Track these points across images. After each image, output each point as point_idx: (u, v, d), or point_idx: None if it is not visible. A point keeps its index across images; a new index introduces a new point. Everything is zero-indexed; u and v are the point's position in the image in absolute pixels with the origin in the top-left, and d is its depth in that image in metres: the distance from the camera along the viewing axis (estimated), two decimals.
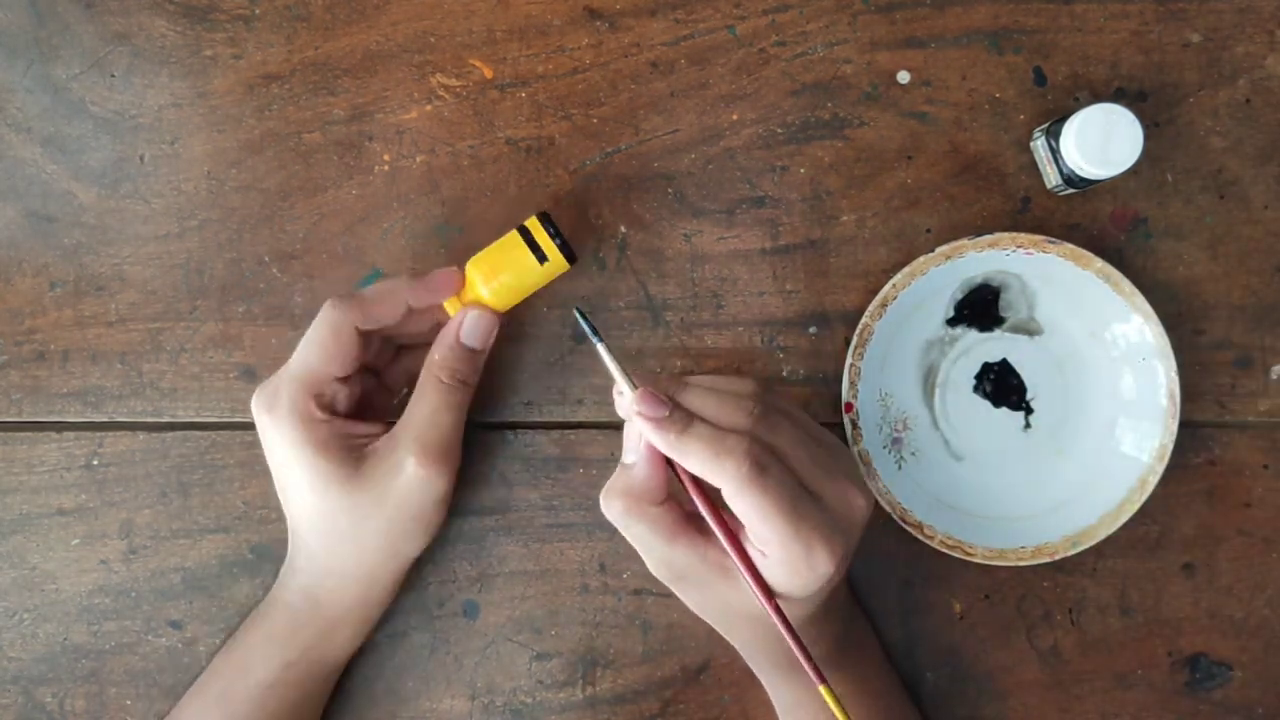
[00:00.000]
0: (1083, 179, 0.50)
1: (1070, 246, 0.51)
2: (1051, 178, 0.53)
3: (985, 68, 0.54)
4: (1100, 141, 0.48)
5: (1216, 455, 0.54)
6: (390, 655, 0.55)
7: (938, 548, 0.52)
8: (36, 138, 0.55)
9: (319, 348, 0.47)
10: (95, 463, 0.55)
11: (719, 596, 0.45)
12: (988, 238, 0.51)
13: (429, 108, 0.55)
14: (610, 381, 0.44)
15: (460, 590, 0.55)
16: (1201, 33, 0.54)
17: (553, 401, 0.55)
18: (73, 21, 0.55)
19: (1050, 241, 0.51)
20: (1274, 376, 0.54)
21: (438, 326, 0.50)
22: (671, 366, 0.54)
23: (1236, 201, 0.54)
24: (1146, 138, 0.48)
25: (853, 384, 0.52)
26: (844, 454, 0.45)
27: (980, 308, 0.54)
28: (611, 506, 0.44)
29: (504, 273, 0.49)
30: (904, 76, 0.54)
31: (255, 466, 0.55)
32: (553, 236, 0.49)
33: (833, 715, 0.47)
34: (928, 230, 0.54)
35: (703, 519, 0.44)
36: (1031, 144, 0.54)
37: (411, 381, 0.50)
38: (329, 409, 0.47)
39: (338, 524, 0.48)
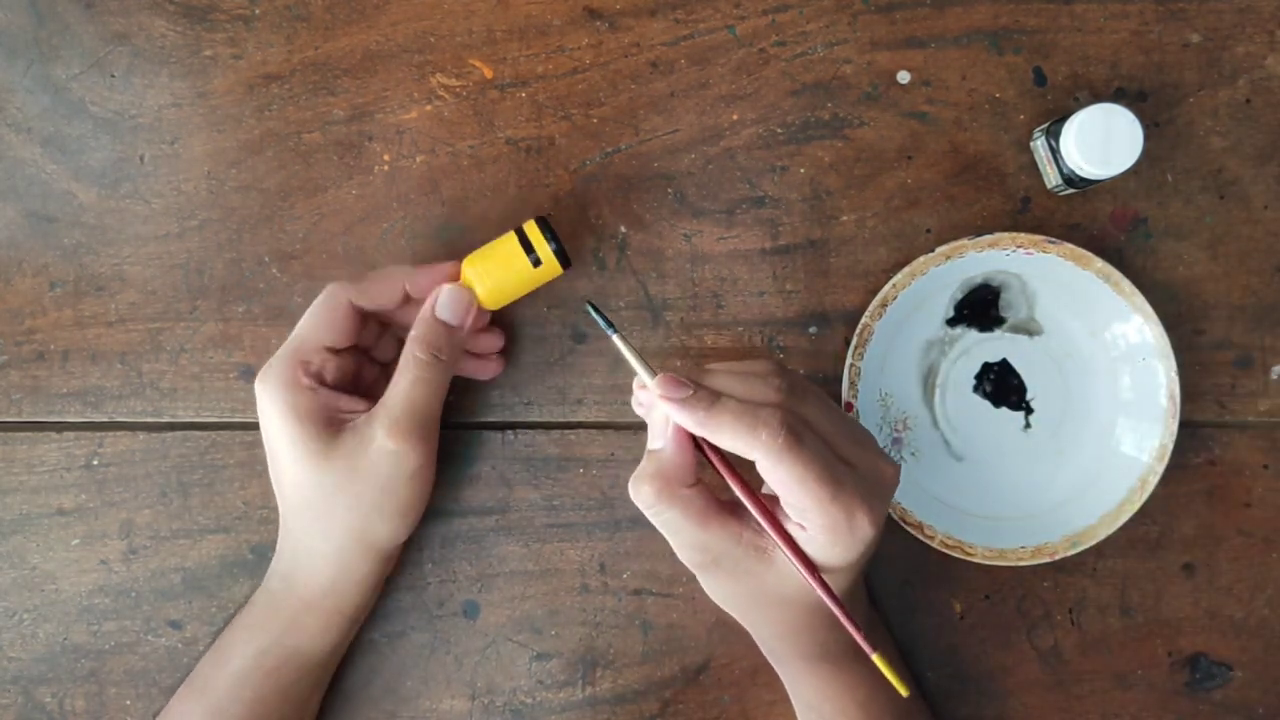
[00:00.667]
0: (1083, 179, 0.50)
1: (1070, 246, 0.51)
2: (1051, 178, 0.53)
3: (985, 68, 0.54)
4: (1100, 141, 0.48)
5: (1216, 455, 0.54)
6: (390, 655, 0.55)
7: (938, 548, 0.52)
8: (36, 138, 0.55)
9: (312, 317, 0.48)
10: (95, 463, 0.55)
11: (753, 580, 0.45)
12: (988, 238, 0.51)
13: (429, 108, 0.55)
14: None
15: (460, 590, 0.55)
16: (1201, 33, 0.54)
17: (553, 401, 0.55)
18: (73, 21, 0.55)
19: (1050, 241, 0.51)
20: (1274, 376, 0.54)
21: None
22: (671, 367, 0.54)
23: (1236, 201, 0.54)
24: (1146, 138, 0.48)
25: (853, 384, 0.52)
26: (865, 429, 0.46)
27: (980, 308, 0.54)
28: (641, 492, 0.43)
29: (497, 272, 0.49)
30: (904, 76, 0.54)
31: (255, 466, 0.55)
32: (549, 241, 0.49)
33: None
34: (928, 230, 0.54)
35: (734, 503, 0.44)
36: (1031, 144, 0.54)
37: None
38: (316, 377, 0.48)
39: (312, 497, 0.48)
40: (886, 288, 0.52)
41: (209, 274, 0.55)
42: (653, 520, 0.44)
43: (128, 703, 0.55)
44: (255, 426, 0.55)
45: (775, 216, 0.54)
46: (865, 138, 0.54)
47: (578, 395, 0.55)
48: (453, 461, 0.55)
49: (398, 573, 0.54)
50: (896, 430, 0.54)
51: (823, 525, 0.41)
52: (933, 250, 0.52)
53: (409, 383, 0.48)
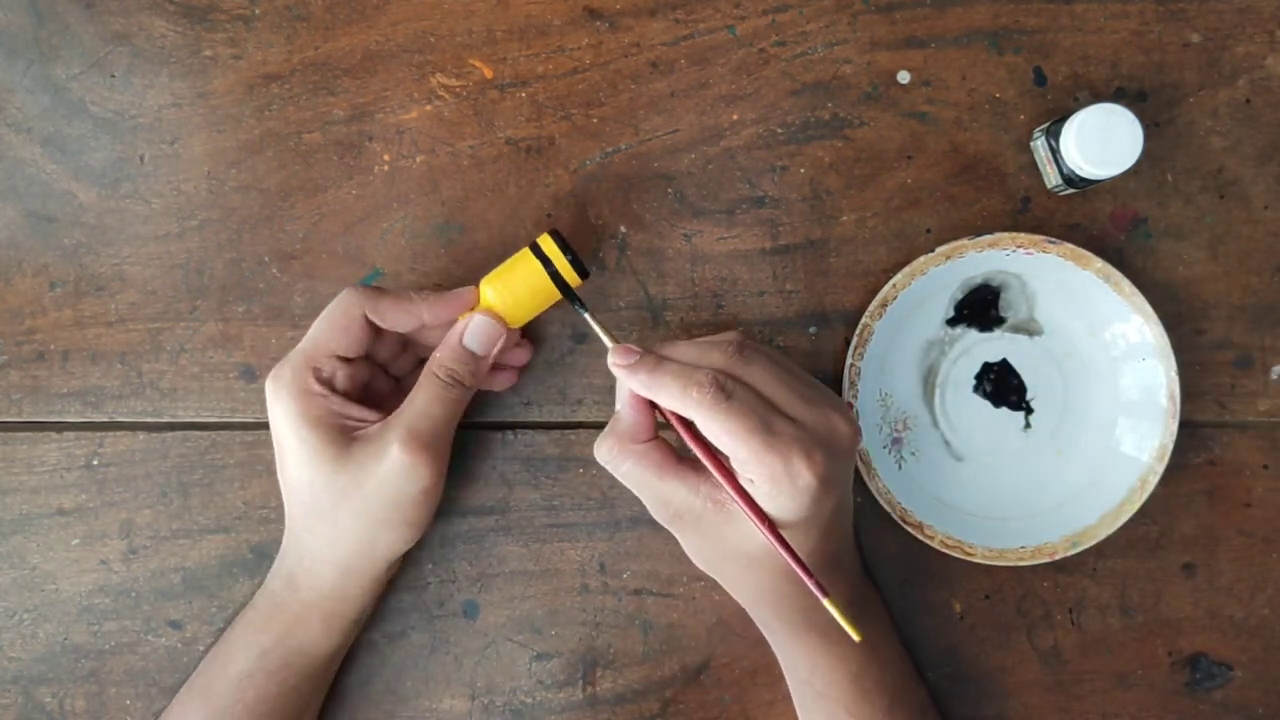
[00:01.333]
0: (1083, 179, 0.50)
1: (1070, 246, 0.51)
2: (1051, 178, 0.53)
3: (985, 68, 0.54)
4: (1100, 141, 0.48)
5: (1216, 455, 0.54)
6: (390, 655, 0.55)
7: (938, 548, 0.52)
8: (36, 138, 0.55)
9: (326, 323, 0.48)
10: (95, 463, 0.55)
11: (716, 535, 0.47)
12: (988, 238, 0.51)
13: (429, 108, 0.55)
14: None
15: (460, 590, 0.55)
16: (1201, 33, 0.54)
17: (553, 401, 0.55)
18: (73, 21, 0.55)
19: (1050, 241, 0.51)
20: (1274, 376, 0.54)
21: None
22: None
23: (1236, 201, 0.54)
24: (1146, 138, 0.48)
25: (853, 384, 0.52)
26: (826, 390, 0.47)
27: (980, 308, 0.54)
28: (600, 449, 0.47)
29: (517, 289, 0.49)
30: (904, 76, 0.54)
31: (255, 466, 0.55)
32: (565, 252, 0.49)
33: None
34: (928, 230, 0.54)
35: (695, 461, 0.46)
36: (1031, 144, 0.54)
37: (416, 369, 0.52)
38: (327, 384, 0.48)
39: (319, 501, 0.48)
40: (886, 288, 0.52)
41: (209, 274, 0.55)
42: (617, 477, 0.47)
43: (128, 703, 0.55)
44: (255, 426, 0.55)
45: (775, 216, 0.54)
46: (865, 138, 0.54)
47: (578, 395, 0.55)
48: (453, 461, 0.55)
49: (397, 573, 0.54)
50: (896, 430, 0.54)
51: (761, 475, 0.43)
52: (933, 250, 0.52)
53: (427, 400, 0.48)
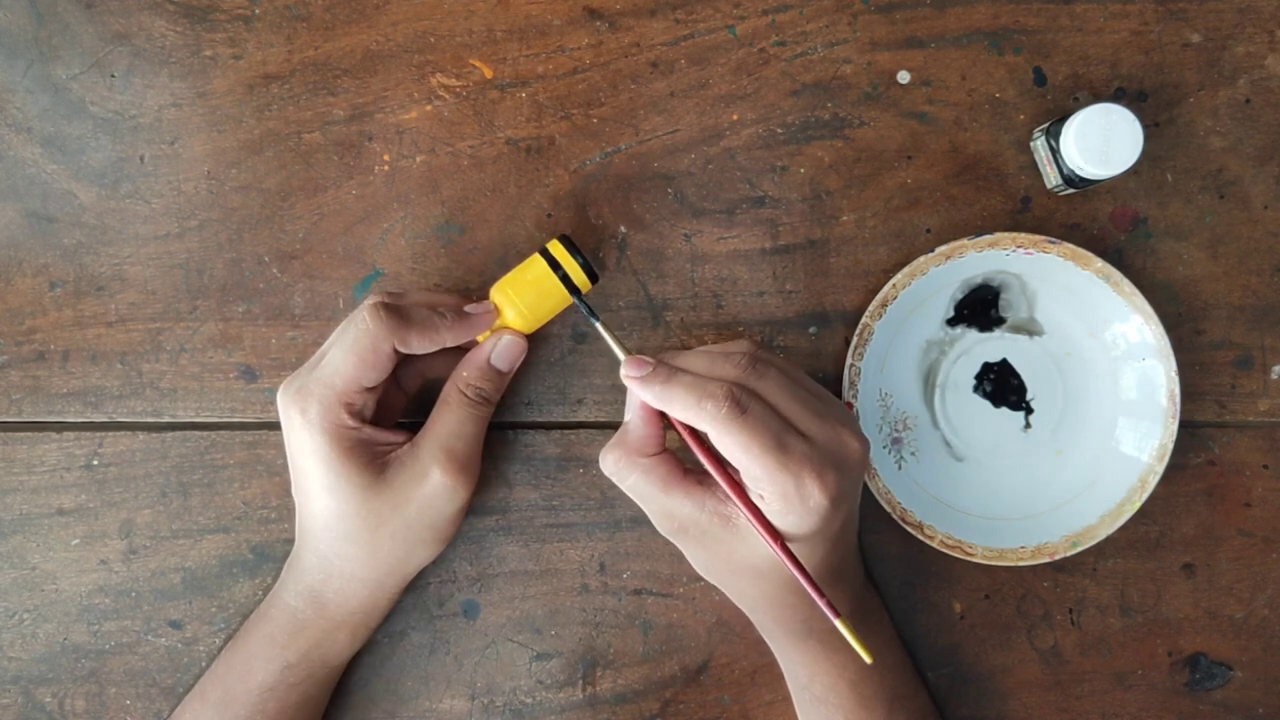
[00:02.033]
0: (1083, 179, 0.50)
1: (1070, 246, 0.51)
2: (1051, 178, 0.53)
3: (985, 68, 0.54)
4: (1100, 141, 0.48)
5: (1216, 455, 0.54)
6: (390, 655, 0.55)
7: (938, 548, 0.52)
8: (36, 138, 0.55)
9: (358, 359, 0.46)
10: (95, 463, 0.55)
11: (722, 548, 0.46)
12: (988, 238, 0.51)
13: (429, 108, 0.55)
14: (620, 378, 0.45)
15: (460, 590, 0.55)
16: (1201, 33, 0.54)
17: (553, 401, 0.55)
18: (73, 21, 0.55)
19: (1050, 241, 0.51)
20: (1274, 376, 0.54)
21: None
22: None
23: (1236, 201, 0.54)
24: (1146, 138, 0.48)
25: (853, 384, 0.52)
26: (836, 404, 0.47)
27: (980, 308, 0.54)
28: (605, 460, 0.47)
29: (530, 296, 0.49)
30: (904, 76, 0.54)
31: (255, 466, 0.55)
32: (575, 257, 0.49)
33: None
34: (928, 230, 0.54)
35: (702, 473, 0.46)
36: (1031, 144, 0.54)
37: (425, 383, 0.52)
38: (358, 417, 0.48)
39: (351, 526, 0.48)
40: (886, 288, 0.52)
41: (209, 274, 0.55)
42: (622, 489, 0.47)
43: (128, 703, 0.55)
44: (255, 426, 0.55)
45: (775, 216, 0.54)
46: (865, 138, 0.54)
47: (578, 395, 0.55)
48: None
49: None
50: (896, 430, 0.54)
51: (773, 493, 0.43)
52: (933, 250, 0.52)
53: (459, 420, 0.49)
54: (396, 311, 0.47)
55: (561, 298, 0.50)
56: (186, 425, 0.55)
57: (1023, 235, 0.51)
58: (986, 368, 0.54)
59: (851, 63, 0.54)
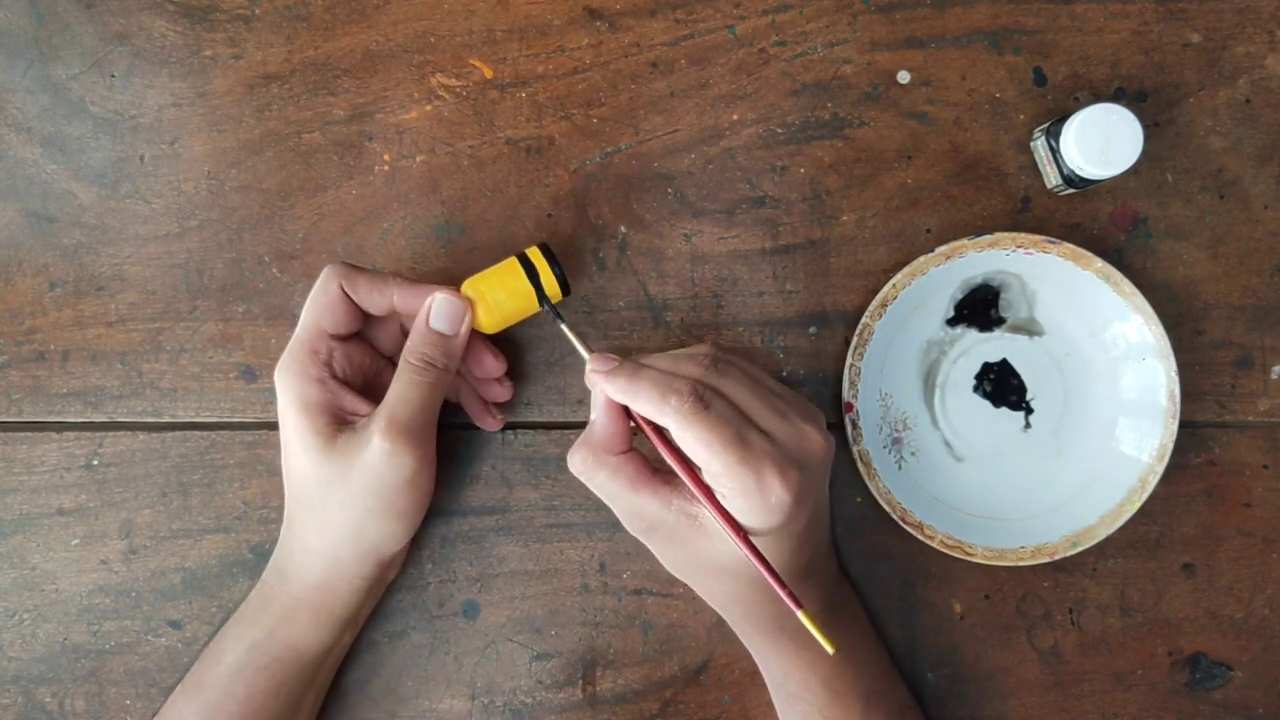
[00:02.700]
0: (1083, 179, 0.50)
1: (1070, 246, 0.51)
2: (1051, 178, 0.53)
3: (985, 68, 0.54)
4: (1100, 141, 0.48)
5: (1216, 455, 0.54)
6: (390, 655, 0.55)
7: (938, 548, 0.52)
8: (36, 138, 0.55)
9: (311, 302, 0.49)
10: (95, 463, 0.55)
11: (689, 547, 0.47)
12: (988, 238, 0.51)
13: (429, 108, 0.55)
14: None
15: (460, 590, 0.55)
16: (1201, 33, 0.54)
17: (553, 401, 0.55)
18: (73, 21, 0.55)
19: (1050, 241, 0.51)
20: (1274, 376, 0.54)
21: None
22: None
23: (1236, 201, 0.54)
24: (1146, 138, 0.48)
25: (853, 384, 0.52)
26: (801, 402, 0.47)
27: (980, 308, 0.54)
28: (573, 459, 0.47)
29: (499, 296, 0.49)
30: (904, 76, 0.54)
31: (255, 466, 0.55)
32: (551, 266, 0.49)
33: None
34: (928, 230, 0.54)
35: (668, 472, 0.47)
36: (1031, 144, 0.54)
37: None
38: (326, 367, 0.48)
39: (310, 491, 0.48)
40: (886, 288, 0.52)
41: (209, 274, 0.55)
42: (591, 488, 0.47)
43: (128, 703, 0.55)
44: (255, 426, 0.55)
45: (775, 216, 0.54)
46: (865, 138, 0.54)
47: (578, 395, 0.55)
48: (453, 461, 0.55)
49: (398, 576, 0.54)
50: (896, 430, 0.54)
51: (734, 489, 0.43)
52: (933, 250, 0.52)
53: (403, 387, 0.48)
54: (354, 268, 0.49)
55: (530, 304, 0.50)
56: (186, 425, 0.55)
57: (1023, 235, 0.51)
58: (986, 368, 0.54)
59: (851, 63, 0.54)
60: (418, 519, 0.51)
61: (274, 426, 0.55)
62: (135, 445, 0.55)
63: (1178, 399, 0.51)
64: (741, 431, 0.43)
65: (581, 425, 0.55)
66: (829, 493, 0.52)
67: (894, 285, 0.52)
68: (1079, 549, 0.52)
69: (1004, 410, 0.54)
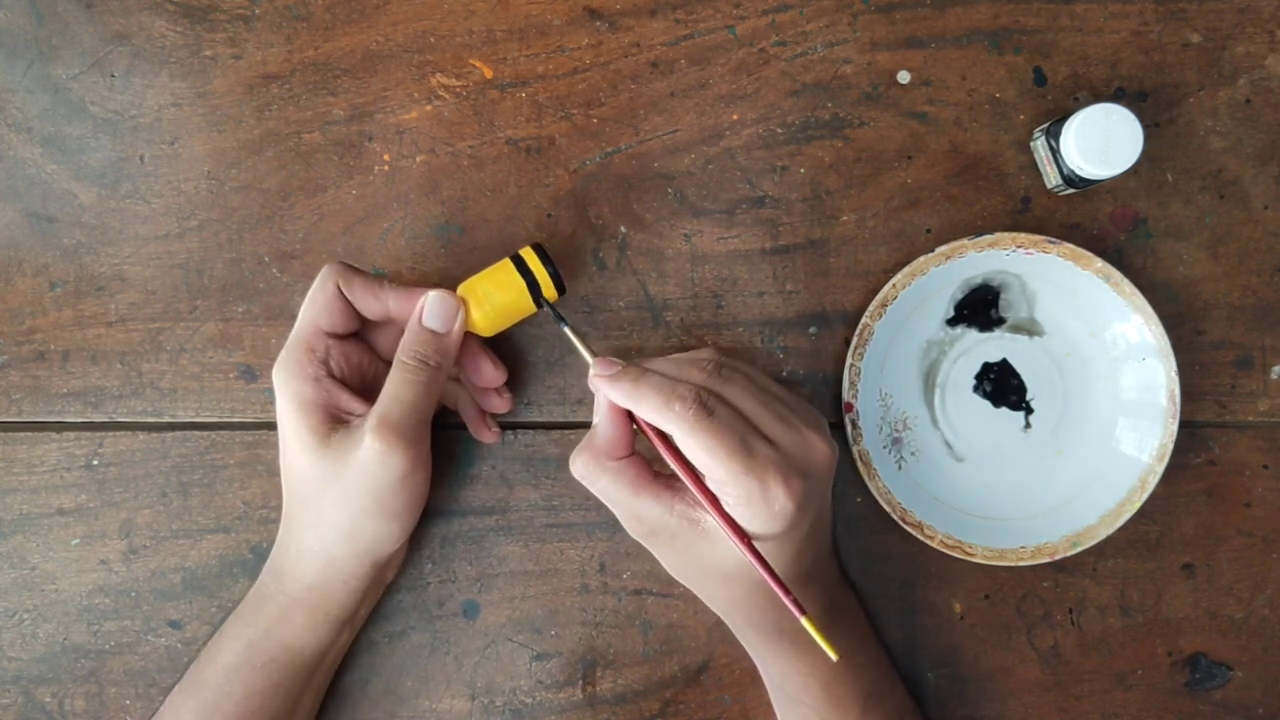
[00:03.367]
0: (1083, 179, 0.50)
1: (1070, 246, 0.51)
2: (1051, 178, 0.53)
3: (985, 68, 0.54)
4: (1100, 141, 0.48)
5: (1216, 455, 0.54)
6: (389, 655, 0.55)
7: (938, 548, 0.52)
8: (36, 138, 0.55)
9: (308, 301, 0.49)
10: (95, 463, 0.55)
11: (691, 551, 0.46)
12: (988, 238, 0.51)
13: (429, 108, 0.55)
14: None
15: (460, 590, 0.55)
16: (1201, 33, 0.54)
17: (553, 401, 0.55)
18: (73, 21, 0.55)
19: (1050, 241, 0.51)
20: (1274, 376, 0.54)
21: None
22: None
23: (1236, 201, 0.54)
24: (1146, 138, 0.48)
25: (853, 384, 0.52)
26: (805, 408, 0.47)
27: (980, 308, 0.54)
28: (575, 463, 0.47)
29: (495, 298, 0.49)
30: (904, 76, 0.54)
31: (255, 466, 0.55)
32: (545, 265, 0.49)
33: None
34: (928, 230, 0.54)
35: (670, 477, 0.46)
36: (1031, 144, 0.54)
37: None
38: (323, 366, 0.48)
39: (306, 491, 0.48)
40: (886, 288, 0.52)
41: (209, 274, 0.55)
42: (593, 492, 0.47)
43: (128, 703, 0.55)
44: (255, 426, 0.55)
45: (775, 216, 0.54)
46: (865, 138, 0.54)
47: (578, 395, 0.55)
48: (453, 461, 0.55)
49: (397, 577, 0.54)
50: (896, 430, 0.54)
51: (738, 496, 0.43)
52: (933, 250, 0.52)
53: (396, 386, 0.48)
54: (351, 269, 0.49)
55: (527, 305, 0.50)
56: (186, 425, 0.55)
57: (1023, 235, 0.51)
58: (986, 368, 0.54)
59: (851, 63, 0.54)
60: (412, 520, 0.51)
61: (274, 426, 0.55)
62: (135, 445, 0.55)
63: (1178, 399, 0.51)
64: (745, 439, 0.43)
65: (581, 425, 0.55)
66: (830, 499, 0.51)
67: (894, 285, 0.52)
68: (1079, 549, 0.52)
69: (1004, 410, 0.54)
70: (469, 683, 0.55)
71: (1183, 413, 0.52)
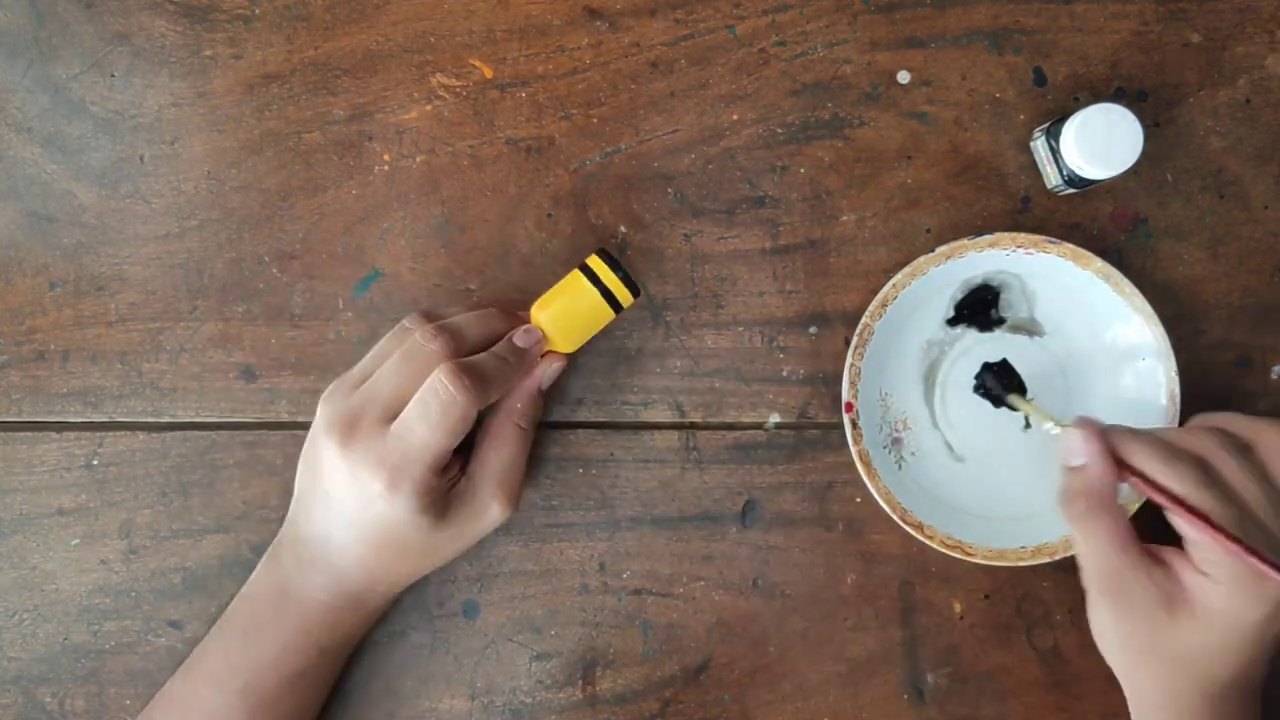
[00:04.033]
0: (1083, 179, 0.50)
1: (1070, 246, 0.51)
2: (1051, 178, 0.53)
3: (985, 68, 0.54)
4: (1100, 141, 0.48)
5: None
6: (390, 655, 0.55)
7: (938, 548, 0.52)
8: (36, 138, 0.55)
9: (447, 433, 0.46)
10: (95, 463, 0.55)
11: (1155, 630, 0.45)
12: (988, 238, 0.51)
13: (429, 108, 0.55)
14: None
15: (460, 590, 0.55)
16: (1201, 33, 0.54)
17: (553, 401, 0.55)
18: (73, 21, 0.55)
19: (1050, 241, 0.51)
20: (1274, 376, 0.54)
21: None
22: (671, 367, 0.54)
23: (1236, 201, 0.54)
24: (1146, 138, 0.48)
25: (853, 384, 0.52)
26: None
27: (980, 308, 0.54)
28: (1074, 504, 0.46)
29: (575, 317, 0.49)
30: (904, 76, 0.54)
31: (255, 466, 0.55)
32: (615, 270, 0.49)
33: None
34: (928, 230, 0.54)
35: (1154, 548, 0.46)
36: (1031, 144, 0.54)
37: None
38: (443, 473, 0.48)
39: (412, 556, 0.50)
40: (886, 288, 0.52)
41: (209, 274, 0.55)
42: (1078, 535, 0.46)
43: (128, 703, 0.55)
44: (255, 426, 0.55)
45: (775, 216, 0.54)
46: (865, 138, 0.54)
47: (578, 395, 0.55)
48: None
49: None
50: (896, 430, 0.54)
51: (1227, 575, 0.42)
52: (933, 250, 0.52)
53: (513, 455, 0.50)
54: (475, 375, 0.46)
55: (605, 315, 0.50)
56: (186, 425, 0.55)
57: (1023, 235, 0.51)
58: (986, 367, 0.54)
59: (851, 63, 0.54)
60: None
61: (274, 426, 0.55)
62: (135, 445, 0.55)
63: (1178, 399, 0.51)
64: (1243, 520, 0.42)
65: (581, 425, 0.55)
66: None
67: (894, 285, 0.52)
68: None
69: (1004, 410, 0.54)
70: (469, 683, 0.55)
71: (1183, 413, 0.52)
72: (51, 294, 0.55)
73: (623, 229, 0.55)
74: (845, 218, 0.54)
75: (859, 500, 0.54)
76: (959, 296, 0.54)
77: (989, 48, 0.54)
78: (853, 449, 0.52)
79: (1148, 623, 0.45)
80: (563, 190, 0.55)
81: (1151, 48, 0.54)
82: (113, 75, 0.55)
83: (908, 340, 0.54)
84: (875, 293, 0.52)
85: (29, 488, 0.55)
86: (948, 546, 0.52)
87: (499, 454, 0.50)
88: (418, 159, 0.55)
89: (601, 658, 0.54)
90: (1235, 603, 0.43)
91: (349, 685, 0.54)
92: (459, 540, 0.50)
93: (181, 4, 0.55)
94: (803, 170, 0.54)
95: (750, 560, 0.54)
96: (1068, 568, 0.54)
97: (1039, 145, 0.53)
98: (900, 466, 0.54)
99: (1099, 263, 0.51)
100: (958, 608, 0.54)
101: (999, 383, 0.53)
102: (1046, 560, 0.52)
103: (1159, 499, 0.44)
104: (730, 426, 0.55)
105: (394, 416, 0.47)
